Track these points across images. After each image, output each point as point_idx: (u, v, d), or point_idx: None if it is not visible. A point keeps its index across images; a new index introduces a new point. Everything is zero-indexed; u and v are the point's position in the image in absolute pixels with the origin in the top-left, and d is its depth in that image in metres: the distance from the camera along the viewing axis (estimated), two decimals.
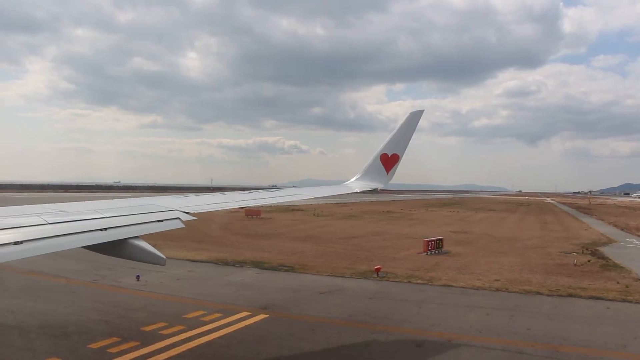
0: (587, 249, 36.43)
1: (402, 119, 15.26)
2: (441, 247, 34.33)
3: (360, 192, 14.98)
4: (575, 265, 28.67)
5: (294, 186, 17.51)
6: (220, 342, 13.45)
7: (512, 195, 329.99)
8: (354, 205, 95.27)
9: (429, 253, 32.46)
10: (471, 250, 34.89)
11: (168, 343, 13.14)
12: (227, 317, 15.81)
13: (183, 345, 12.99)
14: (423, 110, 15.01)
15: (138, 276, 21.43)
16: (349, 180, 15.35)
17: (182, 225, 8.55)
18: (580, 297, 20.23)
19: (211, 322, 15.22)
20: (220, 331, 14.35)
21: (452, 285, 22.18)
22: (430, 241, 33.71)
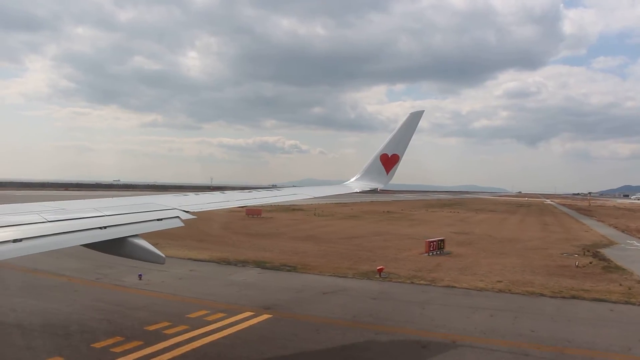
0: (588, 251, 36.42)
1: (402, 119, 15.29)
2: (443, 248, 34.29)
3: (360, 192, 15.00)
4: (577, 267, 28.65)
5: (294, 186, 17.51)
6: (225, 342, 13.39)
7: (512, 196, 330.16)
8: (355, 206, 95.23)
9: (430, 254, 32.42)
10: (473, 251, 34.86)
11: (172, 343, 13.08)
12: (231, 317, 15.75)
13: (187, 345, 12.93)
14: (423, 111, 15.02)
15: (140, 275, 21.36)
16: (349, 180, 15.37)
17: (182, 224, 8.54)
18: (584, 299, 20.19)
19: (214, 322, 15.16)
20: (224, 331, 14.29)
21: (454, 286, 22.13)
22: (432, 242, 33.68)
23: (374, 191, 16.04)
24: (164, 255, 7.45)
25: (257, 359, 12.56)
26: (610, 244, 42.75)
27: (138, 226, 7.78)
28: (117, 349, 12.52)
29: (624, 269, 27.97)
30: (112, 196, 10.56)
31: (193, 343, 13.12)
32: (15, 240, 6.09)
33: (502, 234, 50.03)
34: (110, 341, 13.07)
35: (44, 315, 15.46)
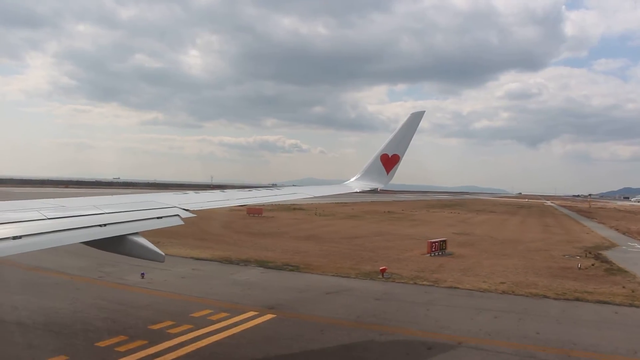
0: (590, 253, 36.36)
1: (403, 119, 15.25)
2: (445, 249, 34.22)
3: (360, 192, 14.99)
4: (580, 268, 28.59)
5: (294, 185, 17.47)
6: (230, 342, 13.34)
7: (512, 197, 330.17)
8: (355, 205, 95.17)
9: (432, 254, 32.36)
10: (474, 252, 34.81)
11: (176, 342, 13.02)
12: (235, 316, 15.70)
13: (192, 345, 12.87)
14: (424, 112, 15.00)
15: (143, 274, 21.30)
16: (349, 180, 15.34)
17: (182, 222, 8.51)
18: (587, 301, 20.13)
19: (219, 321, 15.10)
20: (229, 331, 14.24)
21: (458, 287, 22.08)
22: (434, 242, 33.62)
23: (374, 191, 16.00)
24: (163, 254, 7.42)
25: (262, 359, 12.50)
26: (611, 246, 42.71)
27: (138, 224, 7.76)
28: (122, 348, 12.46)
29: (626, 272, 27.91)
30: (112, 194, 10.54)
31: (198, 342, 13.06)
32: (15, 237, 6.06)
33: (503, 235, 49.99)
34: (114, 340, 13.01)
35: (47, 313, 15.38)
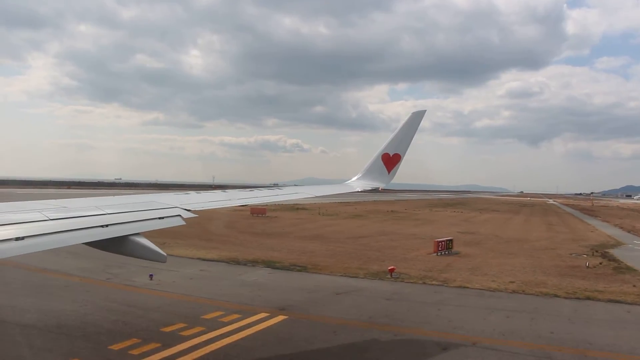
0: (596, 251, 36.25)
1: (404, 118, 15.22)
2: (451, 248, 34.13)
3: (361, 192, 14.99)
4: (588, 267, 28.48)
5: (295, 185, 17.43)
6: (243, 344, 13.23)
7: (513, 196, 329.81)
8: (358, 205, 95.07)
9: (439, 254, 32.27)
10: (481, 251, 34.69)
11: (190, 345, 12.91)
12: (246, 318, 15.59)
13: (205, 348, 12.75)
14: (425, 111, 14.98)
15: (151, 275, 21.22)
16: (351, 179, 15.32)
17: (183, 223, 8.48)
18: (599, 300, 20.01)
19: (231, 323, 15.00)
20: (241, 333, 14.13)
21: (467, 287, 21.98)
22: (441, 242, 33.52)
23: (375, 190, 15.95)
24: (165, 254, 7.41)
25: None
26: (617, 244, 42.59)
27: (139, 224, 7.76)
28: (135, 351, 12.36)
29: (635, 270, 27.80)
30: (114, 194, 10.49)
31: (211, 345, 12.95)
32: (17, 239, 6.06)
33: (508, 234, 49.86)
34: (127, 343, 12.91)
35: (58, 316, 15.29)
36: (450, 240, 34.89)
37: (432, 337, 14.38)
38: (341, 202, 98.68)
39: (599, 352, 13.55)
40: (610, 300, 19.88)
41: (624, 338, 14.86)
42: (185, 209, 8.95)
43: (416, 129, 14.77)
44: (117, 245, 7.27)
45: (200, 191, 11.70)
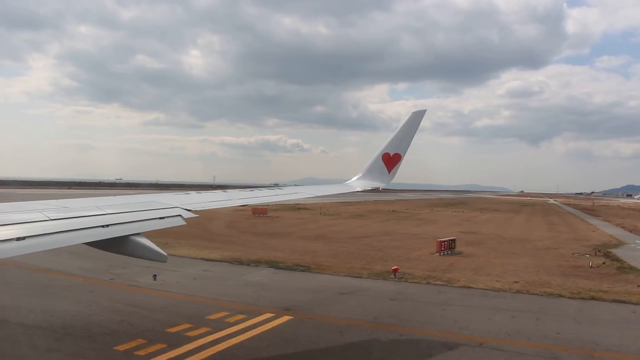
0: (599, 251, 36.24)
1: (404, 118, 15.23)
2: (454, 248, 34.09)
3: (362, 191, 14.98)
4: (591, 267, 28.44)
5: (295, 185, 17.45)
6: (249, 345, 13.18)
7: (514, 195, 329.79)
8: (359, 205, 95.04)
9: (442, 253, 32.23)
10: (483, 251, 34.66)
11: (196, 345, 12.86)
12: (251, 318, 15.55)
13: (211, 348, 12.70)
14: (425, 110, 15.00)
15: (155, 275, 21.17)
16: (351, 179, 15.33)
17: (184, 223, 8.49)
18: (603, 300, 19.97)
19: (236, 323, 14.95)
20: (247, 333, 14.08)
21: (471, 287, 21.93)
22: (443, 242, 33.48)
23: (376, 190, 15.94)
24: (165, 254, 7.42)
25: None
26: (620, 244, 42.57)
27: (140, 225, 7.78)
28: (141, 352, 12.32)
29: (639, 270, 27.77)
30: (114, 195, 10.50)
31: (217, 346, 12.91)
32: (18, 239, 6.09)
33: (510, 233, 49.83)
34: (133, 344, 12.86)
35: (63, 316, 15.26)
36: (453, 240, 34.85)
37: (438, 338, 14.33)
38: (342, 202, 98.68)
39: (605, 353, 13.51)
40: (615, 301, 19.84)
41: (630, 338, 14.81)
42: (186, 209, 8.97)
43: (416, 128, 14.80)
44: (118, 245, 7.30)
45: (201, 191, 11.72)
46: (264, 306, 17.25)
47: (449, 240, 34.42)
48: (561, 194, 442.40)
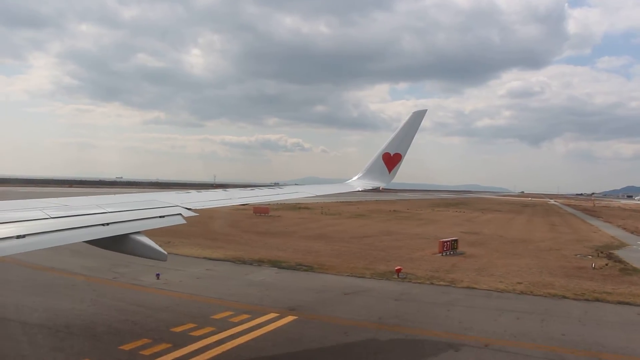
0: (601, 252, 36.15)
1: (405, 118, 15.19)
2: (456, 248, 34.03)
3: (362, 191, 14.93)
4: (594, 268, 28.37)
5: (296, 184, 17.44)
6: (255, 345, 13.14)
7: (514, 196, 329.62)
8: (360, 204, 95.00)
9: (444, 254, 32.17)
10: (486, 252, 34.61)
11: (200, 345, 12.82)
12: (256, 318, 15.51)
13: (217, 348, 12.66)
14: (426, 110, 14.98)
15: (158, 275, 21.12)
16: (351, 178, 15.32)
17: (184, 222, 8.47)
18: (608, 302, 19.90)
19: (240, 323, 14.91)
20: (252, 333, 14.03)
21: (475, 288, 21.88)
22: (446, 242, 33.42)
23: (376, 190, 15.92)
24: (166, 253, 7.42)
25: None
26: (621, 245, 42.48)
27: (140, 223, 7.78)
28: (146, 352, 12.27)
29: None
30: (115, 193, 10.51)
31: (222, 346, 12.86)
32: (18, 237, 6.08)
33: (511, 234, 49.77)
34: (138, 343, 12.82)
35: (67, 315, 15.22)
36: (456, 241, 34.79)
37: (444, 339, 14.26)
38: (343, 202, 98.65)
39: (612, 355, 13.45)
40: (619, 302, 19.77)
41: (637, 341, 14.75)
42: (186, 208, 8.97)
43: (417, 128, 14.79)
44: (118, 243, 7.30)
45: (201, 190, 11.74)
46: (268, 306, 17.21)
47: (452, 240, 34.37)
48: (562, 194, 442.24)
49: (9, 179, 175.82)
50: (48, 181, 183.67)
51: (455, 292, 21.04)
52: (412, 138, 14.77)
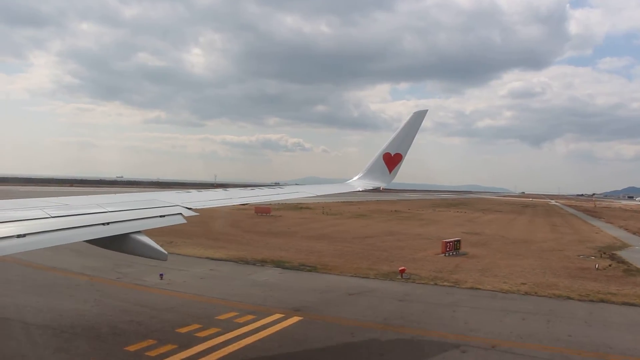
0: (604, 253, 36.07)
1: (406, 118, 15.18)
2: (459, 249, 33.95)
3: (363, 191, 14.94)
4: (598, 269, 28.30)
5: (296, 184, 17.42)
6: (261, 346, 13.07)
7: (515, 196, 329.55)
8: (361, 204, 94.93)
9: (447, 254, 32.10)
10: (488, 252, 34.54)
11: (206, 346, 12.74)
12: (261, 319, 15.44)
13: (222, 349, 12.59)
14: (427, 110, 14.96)
15: (161, 275, 21.07)
16: (352, 178, 15.31)
17: (184, 221, 8.46)
18: (613, 303, 19.84)
19: (246, 324, 14.84)
20: (258, 334, 13.96)
21: (479, 288, 21.82)
22: (449, 242, 33.35)
23: (377, 190, 15.89)
24: (166, 252, 7.42)
25: None
26: (624, 246, 42.41)
27: (141, 222, 7.78)
28: (152, 353, 12.21)
29: None
30: (115, 192, 10.50)
31: (228, 347, 12.79)
32: (19, 236, 6.07)
33: (513, 234, 49.70)
34: (143, 344, 12.76)
35: (71, 315, 15.15)
36: (458, 241, 34.72)
37: (451, 340, 14.19)
38: (344, 202, 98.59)
39: (620, 357, 13.38)
40: (624, 303, 19.71)
41: None
42: (187, 208, 8.96)
43: (418, 128, 14.78)
44: (119, 243, 7.30)
45: (202, 190, 11.73)
46: (273, 306, 17.14)
47: (454, 241, 34.29)
48: (562, 195, 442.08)
49: (9, 178, 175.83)
50: (48, 180, 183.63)
51: (459, 292, 20.98)
52: (413, 138, 14.77)
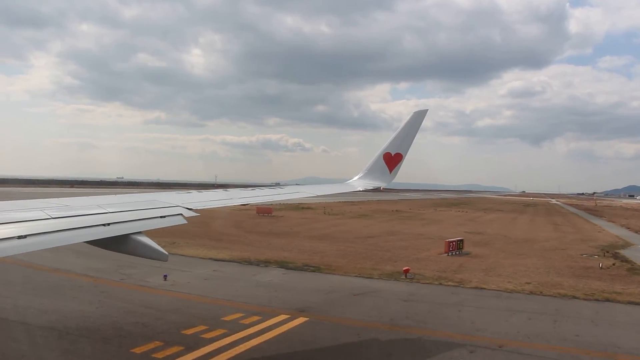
0: (607, 252, 36.03)
1: (406, 118, 15.17)
2: (462, 248, 33.90)
3: (363, 191, 14.91)
4: (601, 268, 28.24)
5: (297, 184, 17.39)
6: (268, 347, 13.00)
7: (516, 196, 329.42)
8: (362, 204, 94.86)
9: (450, 254, 32.05)
10: (491, 252, 34.49)
11: (213, 348, 12.68)
12: (267, 320, 15.38)
13: (230, 351, 12.52)
14: (427, 110, 14.95)
15: (165, 276, 21.00)
16: (352, 178, 15.29)
17: (185, 222, 8.44)
18: (619, 302, 19.79)
19: (252, 325, 14.78)
20: (264, 335, 13.90)
21: (484, 288, 21.77)
22: (452, 242, 33.29)
23: (377, 190, 15.86)
24: (167, 253, 7.42)
25: None
26: (626, 245, 42.36)
27: (141, 223, 7.76)
28: (159, 355, 12.14)
29: None
30: (116, 193, 10.47)
31: (236, 348, 12.73)
32: (19, 237, 6.07)
33: (515, 234, 49.65)
34: (150, 346, 12.69)
35: (76, 317, 15.09)
36: (461, 241, 34.67)
37: (457, 340, 14.13)
38: (345, 202, 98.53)
39: (628, 356, 13.33)
40: (630, 302, 19.66)
41: None
42: (187, 208, 8.95)
43: (418, 128, 14.77)
44: (119, 243, 7.29)
45: (202, 190, 11.72)
46: (278, 307, 17.08)
47: (457, 240, 34.24)
48: (563, 194, 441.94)
49: (10, 179, 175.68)
50: (49, 181, 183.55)
51: (464, 292, 20.92)
52: (413, 138, 14.76)
